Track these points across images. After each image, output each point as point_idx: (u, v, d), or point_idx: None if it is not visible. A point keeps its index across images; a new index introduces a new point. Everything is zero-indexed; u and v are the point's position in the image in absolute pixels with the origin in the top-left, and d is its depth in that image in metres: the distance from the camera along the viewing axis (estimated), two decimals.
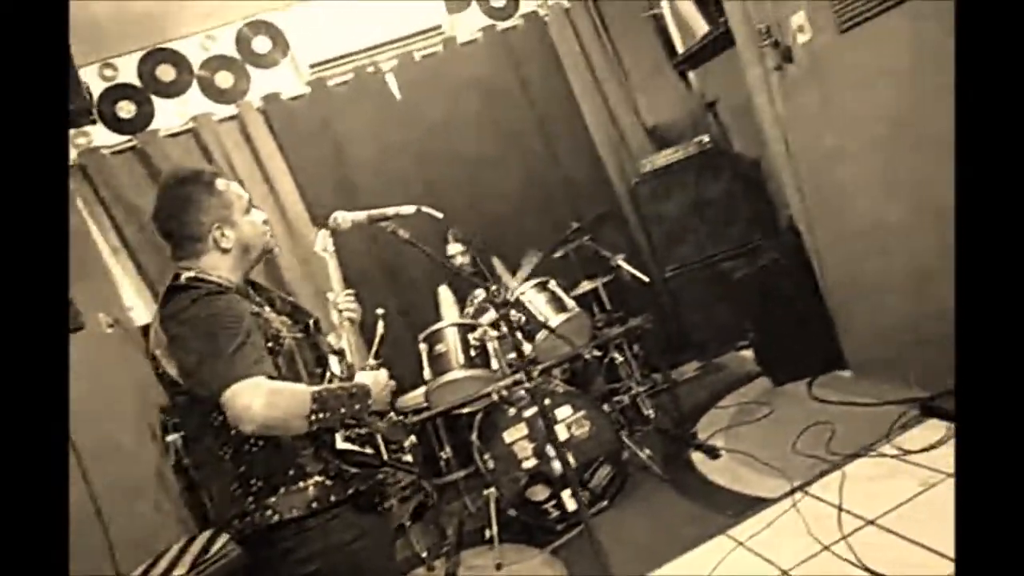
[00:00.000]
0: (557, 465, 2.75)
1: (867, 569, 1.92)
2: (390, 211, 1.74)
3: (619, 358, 3.45)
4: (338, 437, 1.40)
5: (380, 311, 2.08)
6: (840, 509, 2.23)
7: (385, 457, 1.47)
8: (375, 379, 1.49)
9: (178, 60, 3.72)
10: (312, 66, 3.77)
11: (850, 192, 2.77)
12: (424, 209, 1.71)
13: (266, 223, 1.56)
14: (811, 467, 2.54)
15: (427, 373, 2.95)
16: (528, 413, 2.81)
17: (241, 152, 3.75)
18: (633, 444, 3.06)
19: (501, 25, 4.14)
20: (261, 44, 3.84)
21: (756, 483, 2.62)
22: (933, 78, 2.15)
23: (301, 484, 1.40)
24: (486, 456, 2.83)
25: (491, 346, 3.01)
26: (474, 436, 2.93)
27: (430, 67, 4.02)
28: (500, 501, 2.81)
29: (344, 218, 1.74)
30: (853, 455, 2.51)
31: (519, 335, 3.03)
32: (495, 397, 2.85)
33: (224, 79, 3.79)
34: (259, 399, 1.25)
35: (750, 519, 2.40)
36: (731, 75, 3.72)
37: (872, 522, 2.12)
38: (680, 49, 4.21)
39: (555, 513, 2.82)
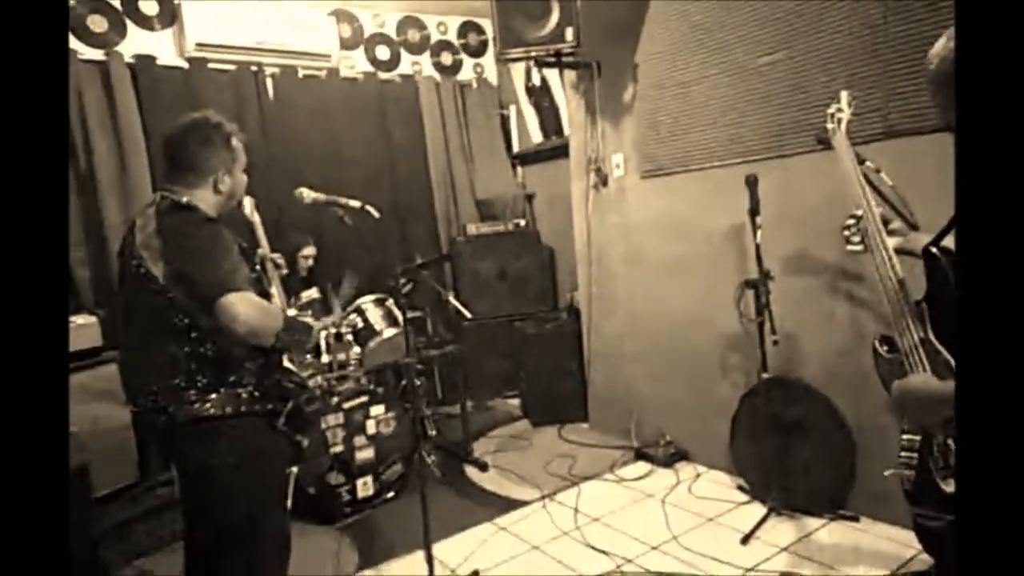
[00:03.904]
0: (362, 454, 3.19)
1: (590, 546, 2.72)
2: (342, 200, 2.14)
3: (418, 382, 4.02)
4: (284, 358, 1.78)
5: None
6: (576, 510, 3.05)
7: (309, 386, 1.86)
8: (316, 324, 1.90)
9: None
10: (198, 44, 3.90)
11: (625, 292, 3.78)
12: (367, 207, 2.13)
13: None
14: (557, 484, 3.36)
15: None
16: (348, 405, 3.21)
17: (97, 99, 3.67)
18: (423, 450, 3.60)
19: (381, 75, 4.70)
20: (149, 6, 3.87)
21: (516, 491, 3.34)
22: (704, 223, 3.22)
23: (237, 390, 1.73)
24: (298, 437, 3.13)
25: (323, 343, 3.38)
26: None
27: (310, 86, 4.38)
28: (300, 480, 3.11)
29: (308, 193, 2.11)
30: (587, 477, 3.39)
31: (351, 338, 3.47)
32: (324, 384, 3.21)
33: (97, 23, 3.73)
34: (252, 309, 1.59)
35: (510, 513, 3.10)
36: (551, 179, 4.75)
37: (597, 519, 2.96)
38: (516, 148, 5.18)
39: (347, 498, 3.21)
